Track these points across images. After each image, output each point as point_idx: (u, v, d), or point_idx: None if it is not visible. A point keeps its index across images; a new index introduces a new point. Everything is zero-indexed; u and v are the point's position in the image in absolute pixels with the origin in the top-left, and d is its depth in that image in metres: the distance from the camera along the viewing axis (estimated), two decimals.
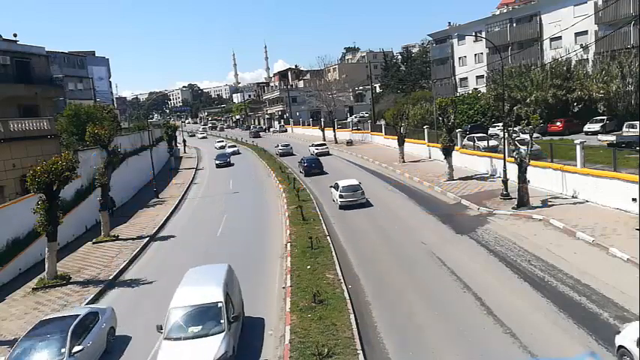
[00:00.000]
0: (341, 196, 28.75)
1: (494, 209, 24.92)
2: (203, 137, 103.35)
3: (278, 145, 59.39)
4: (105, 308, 15.81)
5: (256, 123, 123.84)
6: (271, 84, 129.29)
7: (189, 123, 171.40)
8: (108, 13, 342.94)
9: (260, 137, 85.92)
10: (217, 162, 54.07)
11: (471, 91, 57.81)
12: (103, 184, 27.43)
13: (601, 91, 41.82)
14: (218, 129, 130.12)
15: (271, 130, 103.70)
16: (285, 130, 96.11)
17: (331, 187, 31.23)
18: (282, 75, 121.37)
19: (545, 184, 26.64)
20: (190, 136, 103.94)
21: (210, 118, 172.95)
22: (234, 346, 12.81)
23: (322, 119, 73.64)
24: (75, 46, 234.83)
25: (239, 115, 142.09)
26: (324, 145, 54.26)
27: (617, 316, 13.37)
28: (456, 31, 66.08)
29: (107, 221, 27.76)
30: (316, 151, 49.81)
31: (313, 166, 41.74)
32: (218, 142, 79.59)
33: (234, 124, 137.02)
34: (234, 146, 68.50)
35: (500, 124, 39.77)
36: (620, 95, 40.90)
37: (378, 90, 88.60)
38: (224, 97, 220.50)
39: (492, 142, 35.61)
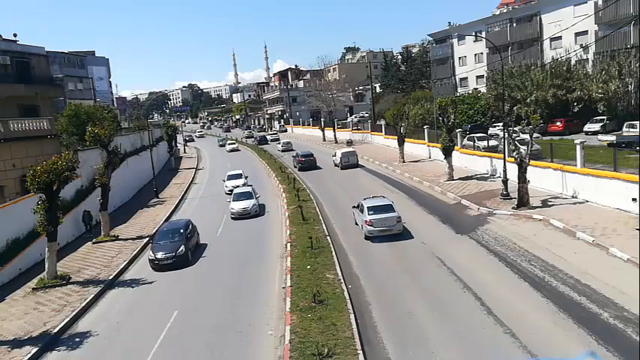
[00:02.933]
0: (283, 146, 62.81)
1: (494, 209, 24.92)
2: (233, 150, 69.84)
3: (244, 132, 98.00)
4: None
5: (256, 123, 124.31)
6: (271, 84, 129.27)
7: (189, 123, 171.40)
8: (108, 13, 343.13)
9: (230, 132, 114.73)
10: (155, 256, 22.17)
11: (471, 91, 57.78)
12: (103, 184, 27.44)
13: (600, 91, 41.82)
14: (206, 127, 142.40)
15: (272, 130, 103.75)
16: (285, 130, 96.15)
17: (276, 142, 70.69)
18: (282, 75, 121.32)
19: (545, 184, 26.64)
20: (220, 145, 78.59)
21: (210, 118, 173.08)
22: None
23: (322, 119, 73.71)
24: (75, 46, 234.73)
25: (239, 115, 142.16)
26: (276, 133, 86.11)
27: (617, 316, 13.38)
28: (456, 31, 66.04)
29: (107, 221, 27.77)
30: (270, 138, 78.02)
31: (262, 141, 74.48)
32: (231, 176, 38.80)
33: (234, 124, 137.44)
34: (252, 196, 30.84)
35: (501, 124, 39.77)
36: (620, 95, 40.90)
37: (378, 90, 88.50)
38: (224, 97, 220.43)
39: (492, 142, 35.62)
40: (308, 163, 44.76)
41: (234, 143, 72.86)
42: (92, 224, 29.23)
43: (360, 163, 44.31)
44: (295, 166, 46.34)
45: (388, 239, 22.18)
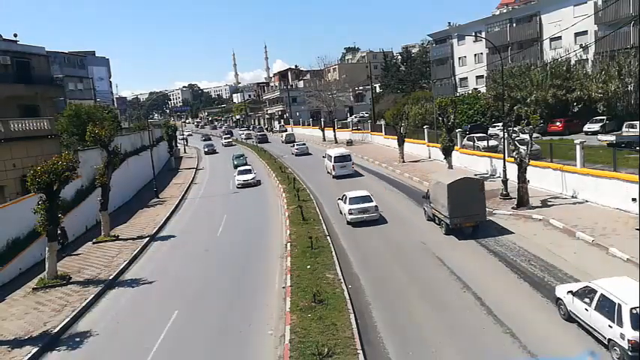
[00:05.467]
0: (246, 136, 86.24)
1: (494, 209, 24.91)
2: (246, 184, 40.50)
3: (222, 128, 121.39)
4: None
5: (256, 123, 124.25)
6: (271, 84, 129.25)
7: (189, 123, 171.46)
8: (108, 13, 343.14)
9: (216, 129, 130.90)
10: None
11: (471, 91, 57.79)
12: (103, 184, 27.45)
13: (600, 91, 41.82)
14: (199, 127, 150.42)
15: (273, 130, 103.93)
16: (285, 130, 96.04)
17: (241, 135, 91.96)
18: (282, 75, 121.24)
19: (545, 184, 26.65)
20: (235, 166, 48.67)
21: (210, 118, 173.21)
22: None
23: (322, 119, 73.70)
24: (75, 46, 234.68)
25: (239, 115, 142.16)
26: (252, 130, 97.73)
27: None
28: (456, 31, 66.04)
29: (107, 221, 27.77)
30: (240, 132, 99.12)
31: (229, 134, 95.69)
32: None
33: (234, 124, 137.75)
34: None
35: (500, 124, 39.77)
36: (620, 95, 40.90)
37: (378, 90, 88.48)
38: (224, 97, 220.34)
39: (492, 142, 35.63)
40: (263, 138, 78.47)
41: (249, 172, 41.82)
42: (67, 242, 26.32)
43: (359, 163, 44.36)
44: (255, 142, 76.33)
45: (388, 239, 22.39)
